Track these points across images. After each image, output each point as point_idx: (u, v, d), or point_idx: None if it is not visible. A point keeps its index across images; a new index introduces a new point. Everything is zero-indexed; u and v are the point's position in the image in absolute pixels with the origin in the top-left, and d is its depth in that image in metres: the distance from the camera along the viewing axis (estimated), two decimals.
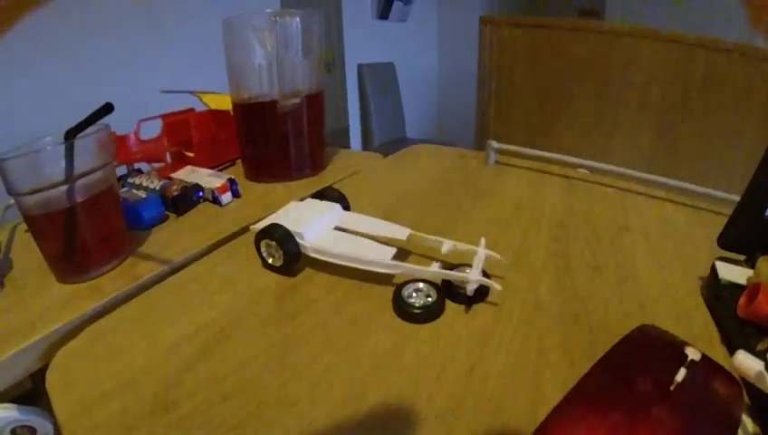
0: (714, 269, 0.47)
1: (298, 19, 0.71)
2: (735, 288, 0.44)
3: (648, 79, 1.63)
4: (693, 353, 0.35)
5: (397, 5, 3.70)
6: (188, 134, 0.81)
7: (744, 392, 0.33)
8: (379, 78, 3.59)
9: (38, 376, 0.45)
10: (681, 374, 0.33)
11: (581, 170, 0.83)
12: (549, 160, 0.84)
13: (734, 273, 0.47)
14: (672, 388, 0.32)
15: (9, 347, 0.42)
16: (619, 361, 0.36)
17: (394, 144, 3.45)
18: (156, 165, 0.82)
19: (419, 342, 0.40)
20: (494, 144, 0.86)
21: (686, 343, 0.37)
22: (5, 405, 0.43)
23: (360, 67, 3.42)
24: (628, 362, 0.36)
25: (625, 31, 1.65)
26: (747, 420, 0.34)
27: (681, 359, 0.35)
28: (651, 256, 0.55)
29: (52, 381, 0.38)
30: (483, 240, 0.48)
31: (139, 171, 0.78)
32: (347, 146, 3.29)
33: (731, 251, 0.49)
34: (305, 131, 0.78)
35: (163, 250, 0.57)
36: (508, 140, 0.89)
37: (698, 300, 0.47)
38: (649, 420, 0.30)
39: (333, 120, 3.32)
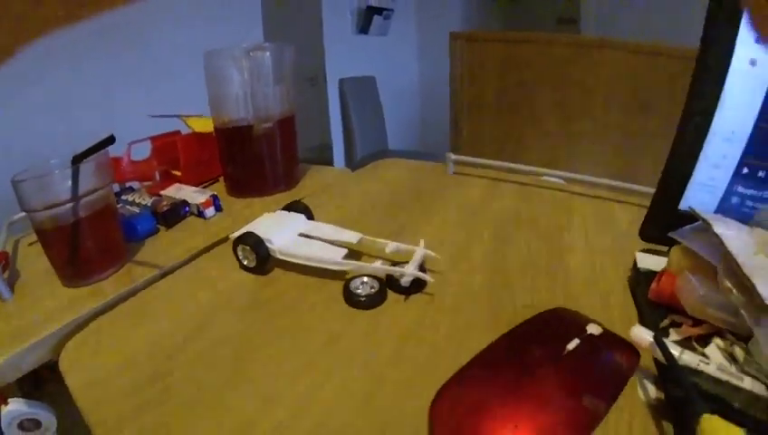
0: (635, 259, 0.55)
1: (268, 54, 0.81)
2: (653, 275, 0.50)
3: (611, 87, 1.70)
4: (593, 329, 0.42)
5: (377, 20, 3.73)
6: (176, 155, 0.88)
7: (654, 365, 0.40)
8: (361, 92, 3.62)
9: (41, 378, 0.53)
10: (573, 344, 0.40)
11: (553, 179, 0.90)
12: (504, 169, 0.93)
13: (651, 262, 0.54)
14: (564, 354, 0.39)
15: (24, 340, 0.49)
16: (522, 334, 0.44)
17: (376, 157, 3.47)
18: (146, 183, 0.90)
19: (364, 324, 0.49)
20: (452, 156, 0.95)
21: (591, 321, 0.44)
22: (15, 399, 0.49)
23: (341, 82, 3.46)
24: (530, 335, 0.43)
25: (586, 42, 1.72)
26: (651, 388, 0.39)
27: (581, 333, 0.41)
28: (587, 252, 0.63)
29: (65, 364, 0.47)
30: (422, 241, 0.58)
31: (131, 189, 0.86)
32: (330, 160, 3.32)
33: (652, 243, 0.55)
34: (278, 151, 0.87)
35: (155, 258, 0.65)
36: (480, 150, 0.96)
37: (625, 288, 0.54)
38: (535, 378, 0.37)
39: (316, 134, 3.35)
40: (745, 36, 0.48)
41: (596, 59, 1.72)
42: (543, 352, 0.40)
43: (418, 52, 4.45)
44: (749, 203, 0.53)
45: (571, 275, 0.58)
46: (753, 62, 0.48)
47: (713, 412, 0.32)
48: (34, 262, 0.64)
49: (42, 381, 0.57)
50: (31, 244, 0.70)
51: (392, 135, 3.97)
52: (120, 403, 0.41)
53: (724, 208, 0.53)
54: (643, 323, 0.46)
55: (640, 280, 0.53)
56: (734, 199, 0.53)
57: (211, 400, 0.41)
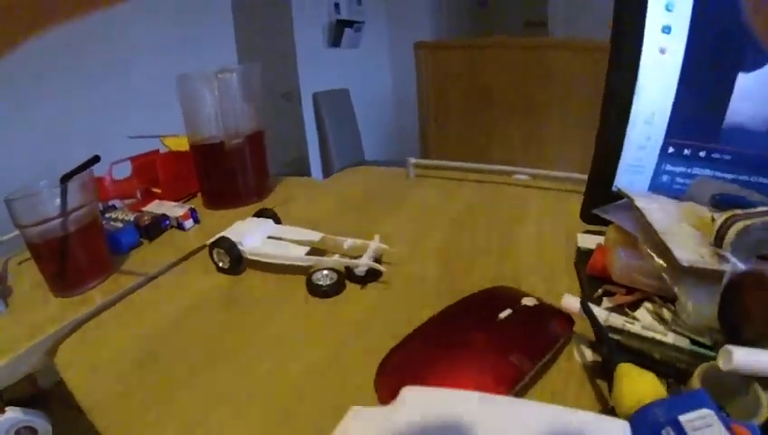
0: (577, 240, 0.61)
1: (235, 75, 0.87)
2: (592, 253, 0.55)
3: (577, 86, 1.75)
4: (528, 301, 0.47)
5: (348, 33, 3.77)
6: (155, 173, 0.93)
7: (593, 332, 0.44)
8: (335, 105, 3.66)
9: (42, 395, 0.56)
10: (505, 313, 0.45)
11: (520, 176, 0.96)
12: (463, 169, 0.99)
13: (591, 241, 0.59)
14: (496, 321, 0.44)
15: (22, 345, 0.53)
16: (460, 307, 0.49)
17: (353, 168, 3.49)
18: (128, 201, 0.94)
19: (325, 310, 0.56)
20: (412, 160, 1.01)
21: (527, 296, 0.49)
22: (12, 408, 0.51)
23: (315, 95, 3.49)
24: (468, 308, 0.49)
25: (550, 43, 1.76)
26: (588, 352, 0.43)
27: (516, 305, 0.46)
28: (539, 239, 0.68)
29: (61, 363, 0.52)
30: (376, 236, 0.64)
31: (114, 207, 0.90)
32: (307, 174, 3.32)
33: (592, 224, 0.60)
34: (249, 165, 0.92)
35: (139, 267, 0.70)
36: (449, 155, 1.00)
37: (572, 268, 0.60)
38: (466, 341, 0.43)
39: (293, 149, 3.36)
40: (652, 27, 0.54)
41: (561, 59, 1.78)
42: (477, 320, 0.46)
43: (391, 62, 4.50)
44: (679, 180, 0.58)
45: (522, 259, 0.63)
46: (662, 51, 0.54)
47: (632, 363, 0.35)
48: (25, 278, 0.69)
49: (43, 399, 0.58)
50: (21, 262, 0.74)
51: (368, 146, 4.01)
52: (111, 388, 0.46)
53: (656, 187, 0.59)
54: (584, 296, 0.50)
55: (581, 258, 0.58)
56: (665, 178, 0.59)
57: (192, 378, 0.46)
